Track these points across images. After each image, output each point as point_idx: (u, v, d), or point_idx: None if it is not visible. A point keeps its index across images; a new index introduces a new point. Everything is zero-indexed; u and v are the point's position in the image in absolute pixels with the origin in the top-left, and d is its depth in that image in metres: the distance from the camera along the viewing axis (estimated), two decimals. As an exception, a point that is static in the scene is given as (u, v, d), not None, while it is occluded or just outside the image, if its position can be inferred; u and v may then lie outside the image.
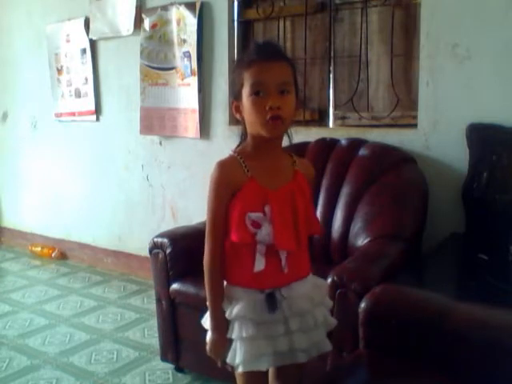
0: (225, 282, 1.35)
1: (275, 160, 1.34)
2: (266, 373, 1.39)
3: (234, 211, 1.28)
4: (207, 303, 1.35)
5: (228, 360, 1.31)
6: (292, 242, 1.30)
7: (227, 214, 1.30)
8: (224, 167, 1.31)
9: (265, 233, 1.27)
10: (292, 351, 1.31)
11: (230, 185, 1.29)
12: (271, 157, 1.34)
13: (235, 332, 1.29)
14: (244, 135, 1.36)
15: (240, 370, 1.29)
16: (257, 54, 1.29)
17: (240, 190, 1.28)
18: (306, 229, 1.34)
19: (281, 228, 1.28)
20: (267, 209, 1.28)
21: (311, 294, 1.35)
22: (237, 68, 1.35)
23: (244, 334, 1.27)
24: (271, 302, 1.28)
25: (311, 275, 1.40)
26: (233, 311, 1.29)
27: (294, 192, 1.32)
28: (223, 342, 1.31)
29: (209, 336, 1.35)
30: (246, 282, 1.31)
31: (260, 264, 1.29)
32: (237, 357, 1.29)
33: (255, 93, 1.26)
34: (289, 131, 1.38)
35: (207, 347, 1.35)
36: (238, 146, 1.37)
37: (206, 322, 1.38)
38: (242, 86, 1.29)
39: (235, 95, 1.32)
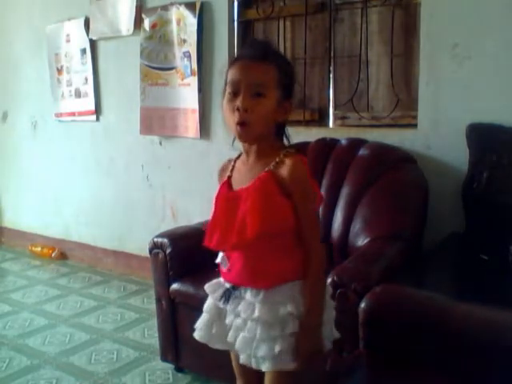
0: None
1: (255, 159, 1.32)
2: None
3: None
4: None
5: None
6: (216, 242, 1.32)
7: None
8: (220, 167, 1.42)
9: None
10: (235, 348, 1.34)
11: (220, 183, 1.39)
12: (252, 156, 1.32)
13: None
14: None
15: (194, 334, 1.41)
16: (242, 52, 1.31)
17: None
18: (240, 232, 1.26)
19: (210, 227, 1.34)
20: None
21: (260, 310, 1.27)
22: (227, 65, 1.36)
23: (204, 307, 1.41)
24: (227, 294, 1.34)
25: (288, 293, 1.28)
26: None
27: (245, 193, 1.28)
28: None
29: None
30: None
31: (219, 257, 1.39)
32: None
33: (232, 92, 1.25)
34: (286, 132, 1.35)
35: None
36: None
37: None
38: (225, 83, 1.29)
39: (223, 92, 1.32)
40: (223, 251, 1.38)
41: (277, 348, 1.25)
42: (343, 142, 2.45)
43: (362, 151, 2.34)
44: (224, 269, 1.37)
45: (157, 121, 3.31)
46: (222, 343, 1.39)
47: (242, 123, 1.23)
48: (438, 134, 2.35)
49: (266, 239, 1.26)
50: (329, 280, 1.64)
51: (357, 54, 2.75)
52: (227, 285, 1.36)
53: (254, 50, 1.28)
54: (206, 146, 3.15)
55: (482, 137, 2.15)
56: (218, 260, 1.40)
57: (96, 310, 3.05)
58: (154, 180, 3.45)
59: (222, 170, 1.41)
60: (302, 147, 2.42)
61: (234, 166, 1.38)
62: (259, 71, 1.24)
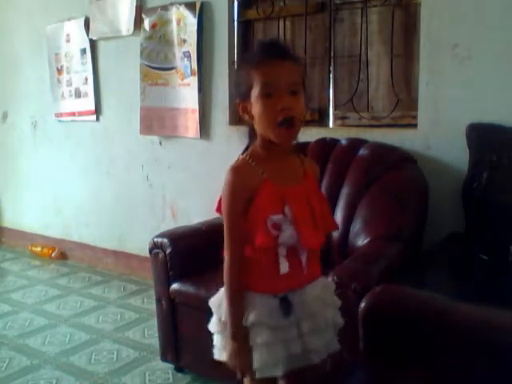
0: None
1: (285, 160, 1.33)
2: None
3: (254, 215, 1.25)
4: (228, 311, 1.29)
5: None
6: (314, 240, 1.30)
7: (246, 219, 1.26)
8: (238, 172, 1.28)
9: (288, 234, 1.25)
10: (305, 353, 1.29)
11: (245, 189, 1.26)
12: (281, 157, 1.32)
13: (251, 339, 1.27)
14: (252, 136, 1.33)
15: (257, 376, 1.27)
16: (266, 53, 1.27)
17: (257, 194, 1.26)
18: (324, 226, 1.34)
19: (303, 228, 1.26)
20: (287, 209, 1.26)
21: (322, 296, 1.34)
22: (244, 67, 1.31)
23: (259, 341, 1.25)
24: (286, 306, 1.27)
25: (321, 276, 1.40)
26: (248, 318, 1.27)
27: (307, 191, 1.32)
28: (245, 350, 1.27)
29: (228, 345, 1.29)
30: (260, 288, 1.29)
31: (284, 266, 1.27)
32: (254, 363, 1.26)
33: (266, 94, 1.23)
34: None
35: (228, 357, 1.30)
36: (247, 147, 1.35)
37: (214, 326, 1.36)
38: (250, 85, 1.25)
39: (242, 95, 1.28)
40: (305, 249, 1.30)
41: (340, 321, 1.39)
42: (343, 141, 2.45)
43: (362, 151, 2.34)
44: (302, 273, 1.31)
45: (157, 121, 3.31)
46: (284, 365, 1.28)
47: (291, 123, 1.23)
48: (438, 134, 2.35)
49: None
50: (329, 279, 1.64)
51: (357, 54, 2.75)
52: (276, 297, 1.28)
53: (280, 50, 1.28)
54: (206, 146, 3.15)
55: (482, 137, 2.15)
56: (284, 271, 1.27)
57: (96, 310, 3.05)
58: (154, 180, 3.45)
59: (244, 173, 1.28)
60: (302, 147, 2.42)
61: (259, 167, 1.29)
62: (290, 70, 1.25)
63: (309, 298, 1.31)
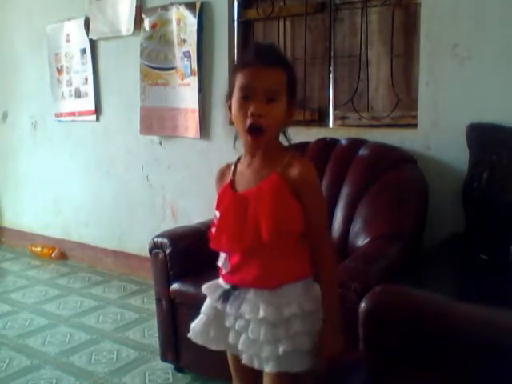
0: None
1: (261, 161, 1.32)
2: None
3: None
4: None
5: None
6: (229, 245, 1.32)
7: None
8: (217, 173, 1.43)
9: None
10: (237, 348, 1.34)
11: (218, 187, 1.41)
12: (258, 158, 1.32)
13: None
14: (237, 135, 1.37)
15: (189, 335, 1.42)
16: (252, 56, 1.28)
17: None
18: (253, 233, 1.26)
19: (218, 230, 1.34)
20: (217, 212, 1.35)
21: (266, 310, 1.26)
22: (233, 68, 1.36)
23: (202, 309, 1.42)
24: (224, 295, 1.35)
25: (293, 293, 1.29)
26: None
27: (253, 195, 1.28)
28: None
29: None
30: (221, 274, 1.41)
31: (220, 260, 1.39)
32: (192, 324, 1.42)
33: (242, 97, 1.25)
34: (286, 133, 1.37)
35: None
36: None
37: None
38: (234, 86, 1.28)
39: (229, 95, 1.31)
40: (226, 252, 1.37)
41: (281, 349, 1.26)
42: (343, 141, 2.45)
43: (362, 151, 2.34)
44: (225, 270, 1.37)
45: (157, 121, 3.31)
46: (218, 344, 1.40)
47: (256, 130, 1.23)
48: (438, 133, 2.35)
49: (274, 240, 1.26)
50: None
51: (357, 54, 2.75)
52: (226, 286, 1.36)
53: (264, 55, 1.28)
54: (206, 145, 3.15)
55: (482, 137, 2.15)
56: (220, 263, 1.39)
57: (96, 310, 3.05)
58: (154, 180, 3.45)
59: (221, 174, 1.41)
60: (302, 147, 2.42)
61: (234, 170, 1.37)
62: (271, 77, 1.25)
63: (249, 300, 1.30)
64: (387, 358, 1.38)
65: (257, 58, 1.27)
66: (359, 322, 1.40)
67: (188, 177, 3.27)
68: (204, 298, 1.43)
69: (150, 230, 3.14)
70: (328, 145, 2.46)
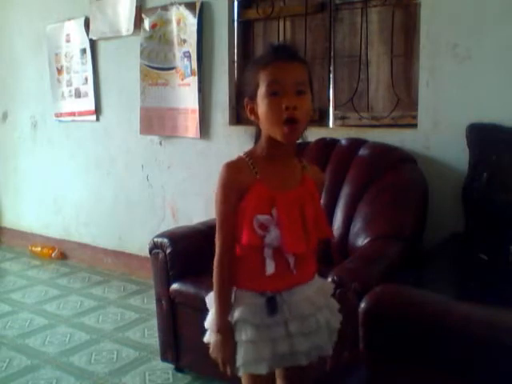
0: None
1: (285, 163, 1.33)
2: (272, 373, 1.38)
3: (243, 213, 1.27)
4: (214, 305, 1.33)
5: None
6: (300, 245, 1.30)
7: (236, 217, 1.29)
8: (231, 168, 1.30)
9: (273, 236, 1.27)
10: (292, 353, 1.30)
11: (237, 186, 1.28)
12: (282, 160, 1.33)
13: (237, 335, 1.29)
14: (257, 137, 1.34)
15: (240, 372, 1.30)
16: (274, 54, 1.28)
17: (248, 192, 1.27)
18: (316, 233, 1.33)
19: (288, 231, 1.27)
20: (274, 212, 1.27)
21: (314, 298, 1.33)
22: (252, 68, 1.32)
23: (244, 338, 1.27)
24: (271, 305, 1.28)
25: (316, 277, 1.39)
26: (234, 314, 1.29)
27: (302, 196, 1.32)
28: (230, 343, 1.29)
29: (212, 338, 1.33)
30: (247, 286, 1.31)
31: (271, 267, 1.29)
32: (238, 360, 1.28)
33: (272, 93, 1.24)
34: (306, 129, 1.35)
35: (211, 349, 1.34)
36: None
37: (209, 323, 1.37)
38: (257, 86, 1.27)
39: (250, 96, 1.30)
40: (288, 255, 1.30)
41: (335, 325, 1.38)
42: (343, 141, 2.44)
43: (362, 151, 2.34)
44: (291, 274, 1.32)
45: (157, 121, 3.31)
46: (269, 364, 1.29)
47: (293, 121, 1.23)
48: (438, 134, 2.35)
49: None
50: (329, 280, 1.64)
51: (357, 54, 2.75)
52: (259, 298, 1.29)
53: (284, 51, 1.29)
54: (206, 145, 3.15)
55: (482, 137, 2.15)
56: (270, 271, 1.29)
57: (96, 310, 3.04)
58: (154, 180, 3.45)
59: (238, 170, 1.30)
60: (302, 147, 2.41)
61: (255, 167, 1.30)
62: (298, 70, 1.27)
63: (297, 299, 1.31)
64: (387, 357, 1.38)
65: (278, 54, 1.28)
66: (359, 322, 1.40)
67: (188, 177, 3.27)
68: (204, 297, 1.42)
69: (149, 230, 3.15)
70: (328, 145, 2.46)
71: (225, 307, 1.31)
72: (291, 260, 1.30)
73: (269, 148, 1.31)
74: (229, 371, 1.32)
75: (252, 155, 1.33)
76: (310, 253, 1.34)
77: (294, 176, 1.34)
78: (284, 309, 1.29)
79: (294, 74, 1.25)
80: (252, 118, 1.31)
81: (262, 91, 1.25)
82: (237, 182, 1.28)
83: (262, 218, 1.26)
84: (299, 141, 1.34)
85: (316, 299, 1.34)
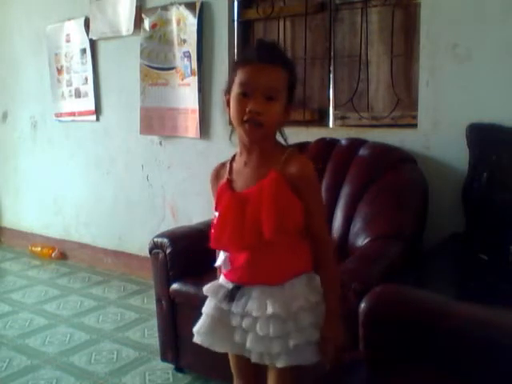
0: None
1: (258, 160, 1.31)
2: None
3: None
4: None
5: None
6: (225, 242, 1.32)
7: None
8: (213, 170, 1.43)
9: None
10: (244, 347, 1.33)
11: (214, 185, 1.40)
12: (255, 156, 1.32)
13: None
14: (233, 129, 1.37)
15: (194, 340, 1.40)
16: (254, 53, 1.28)
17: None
18: (254, 232, 1.27)
19: (218, 229, 1.33)
20: (216, 212, 1.35)
21: (273, 303, 1.27)
22: (234, 63, 1.36)
23: (204, 309, 1.41)
24: (230, 294, 1.34)
25: (298, 285, 1.31)
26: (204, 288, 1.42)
27: (251, 195, 1.28)
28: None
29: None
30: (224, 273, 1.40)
31: (219, 260, 1.39)
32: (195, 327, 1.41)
33: (241, 93, 1.25)
34: (283, 132, 1.36)
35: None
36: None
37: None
38: (232, 82, 1.28)
39: (227, 89, 1.31)
40: (226, 252, 1.37)
41: (291, 342, 1.27)
42: (343, 141, 2.45)
43: (362, 151, 2.34)
44: (225, 269, 1.37)
45: (157, 121, 3.31)
46: (223, 345, 1.39)
47: (253, 122, 1.23)
48: (438, 133, 2.35)
49: (276, 237, 1.27)
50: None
51: (357, 54, 2.75)
52: (230, 285, 1.35)
53: (265, 53, 1.28)
54: (206, 145, 3.15)
55: (482, 137, 2.15)
56: (218, 263, 1.40)
57: (96, 310, 3.05)
58: (154, 180, 3.45)
59: (216, 173, 1.41)
60: (302, 147, 2.42)
61: (230, 169, 1.37)
62: (272, 75, 1.25)
63: (254, 298, 1.30)
64: (387, 357, 1.38)
65: (258, 55, 1.27)
66: (359, 322, 1.40)
67: (188, 177, 3.27)
68: (204, 298, 1.43)
69: (149, 230, 3.14)
70: (328, 145, 2.46)
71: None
72: (223, 255, 1.37)
73: (241, 142, 1.33)
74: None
75: (237, 154, 1.38)
76: (272, 253, 1.29)
77: (258, 174, 1.30)
78: (240, 302, 1.32)
79: (269, 78, 1.24)
80: (227, 111, 1.33)
81: (234, 89, 1.27)
82: (213, 182, 1.41)
83: (214, 216, 1.37)
84: (288, 143, 1.38)
85: (277, 306, 1.27)
